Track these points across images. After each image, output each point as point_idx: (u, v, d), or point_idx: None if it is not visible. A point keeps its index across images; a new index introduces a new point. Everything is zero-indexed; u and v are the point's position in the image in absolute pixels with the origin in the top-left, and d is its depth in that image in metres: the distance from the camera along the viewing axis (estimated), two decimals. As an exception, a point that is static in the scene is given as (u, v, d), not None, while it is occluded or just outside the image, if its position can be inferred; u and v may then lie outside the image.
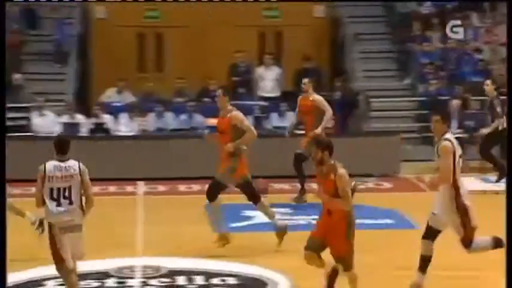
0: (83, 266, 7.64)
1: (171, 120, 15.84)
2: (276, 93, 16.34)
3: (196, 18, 17.88)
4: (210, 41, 17.76)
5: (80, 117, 15.40)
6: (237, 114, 9.15)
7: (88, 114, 15.72)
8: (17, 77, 15.88)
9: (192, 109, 15.75)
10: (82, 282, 7.71)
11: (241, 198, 10.14)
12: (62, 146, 7.00)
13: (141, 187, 13.89)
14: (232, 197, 10.43)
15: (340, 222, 6.84)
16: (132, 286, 8.00)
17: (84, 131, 15.21)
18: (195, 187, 13.47)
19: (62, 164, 6.90)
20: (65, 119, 15.28)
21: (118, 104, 16.19)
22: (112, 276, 8.30)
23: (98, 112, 15.53)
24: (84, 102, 16.95)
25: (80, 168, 6.96)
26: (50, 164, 6.93)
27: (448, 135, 7.44)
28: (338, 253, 6.91)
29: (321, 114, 11.61)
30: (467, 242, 7.45)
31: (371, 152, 14.09)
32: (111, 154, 14.14)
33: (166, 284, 8.12)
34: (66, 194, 6.79)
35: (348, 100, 16.06)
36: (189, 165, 13.84)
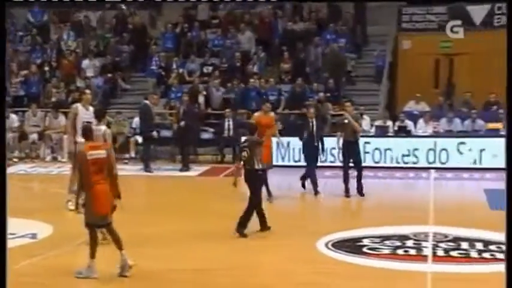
0: (386, 230, 9.03)
1: (458, 124, 16.97)
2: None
3: (480, 46, 19.05)
4: (490, 63, 18.35)
5: (389, 122, 16.87)
6: None
7: (394, 119, 17.13)
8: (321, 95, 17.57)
9: (475, 116, 16.92)
10: (387, 242, 8.50)
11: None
12: None
13: (432, 174, 14.72)
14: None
15: None
16: (425, 247, 8.28)
17: (391, 132, 16.61)
18: (477, 175, 14.63)
19: None
20: (379, 123, 16.71)
21: (416, 112, 17.61)
22: (410, 238, 8.68)
23: (402, 118, 16.92)
24: (392, 110, 18.42)
25: None
26: None
27: None
28: None
29: None
30: None
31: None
32: (410, 149, 15.77)
33: (452, 247, 8.37)
34: None
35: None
36: (472, 158, 15.50)
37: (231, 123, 16.94)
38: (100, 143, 7.69)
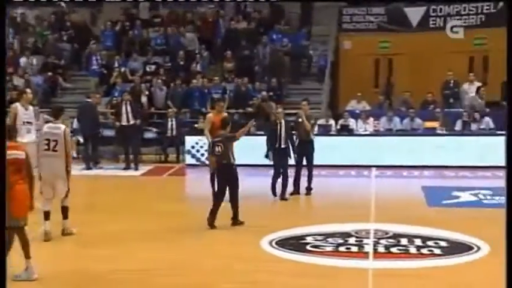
0: (329, 228, 9.17)
1: (397, 123, 17.11)
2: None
3: (417, 47, 19.33)
4: (428, 63, 19.01)
5: (331, 121, 16.81)
6: None
7: (337, 118, 17.09)
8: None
9: (413, 115, 17.06)
10: (330, 239, 8.64)
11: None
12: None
13: (373, 172, 14.79)
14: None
15: None
16: (367, 244, 8.46)
17: (334, 131, 16.57)
18: (416, 172, 14.83)
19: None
20: (321, 122, 16.55)
21: (358, 111, 17.63)
22: (352, 236, 8.83)
23: (344, 117, 16.98)
24: (334, 109, 18.45)
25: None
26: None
27: None
28: None
29: None
30: None
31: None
32: (352, 147, 15.84)
33: (392, 243, 8.52)
34: None
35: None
36: (411, 156, 15.59)
37: (174, 122, 16.91)
38: (19, 143, 7.25)
